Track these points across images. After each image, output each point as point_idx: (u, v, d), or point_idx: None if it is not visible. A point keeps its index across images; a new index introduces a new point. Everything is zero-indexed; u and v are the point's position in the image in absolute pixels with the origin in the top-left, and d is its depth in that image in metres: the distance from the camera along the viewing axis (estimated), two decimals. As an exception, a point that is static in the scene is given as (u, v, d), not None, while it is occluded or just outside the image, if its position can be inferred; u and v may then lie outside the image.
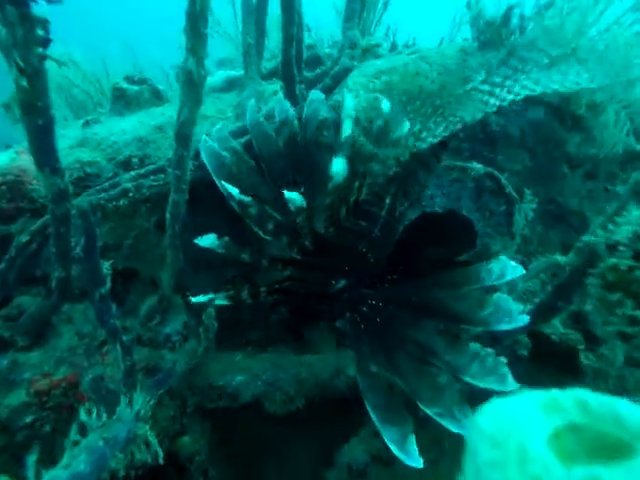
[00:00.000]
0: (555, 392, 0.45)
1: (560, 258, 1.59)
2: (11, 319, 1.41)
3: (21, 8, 0.78)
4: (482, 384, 1.03)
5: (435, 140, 1.56)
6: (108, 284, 1.17)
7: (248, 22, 1.77)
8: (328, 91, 1.51)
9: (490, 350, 1.07)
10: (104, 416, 1.04)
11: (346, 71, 1.45)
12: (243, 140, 1.53)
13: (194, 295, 1.30)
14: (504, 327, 1.07)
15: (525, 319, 1.06)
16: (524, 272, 1.15)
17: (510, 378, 1.02)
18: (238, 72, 2.13)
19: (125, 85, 2.16)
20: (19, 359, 1.42)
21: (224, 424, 1.82)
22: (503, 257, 1.20)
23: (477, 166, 1.69)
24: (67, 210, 1.11)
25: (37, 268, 1.53)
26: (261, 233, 1.36)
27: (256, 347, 1.84)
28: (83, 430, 1.05)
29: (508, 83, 1.63)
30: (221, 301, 1.30)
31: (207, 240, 1.30)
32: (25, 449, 1.38)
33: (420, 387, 1.11)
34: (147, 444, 1.20)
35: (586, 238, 1.09)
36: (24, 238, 1.33)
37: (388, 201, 1.46)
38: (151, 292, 1.69)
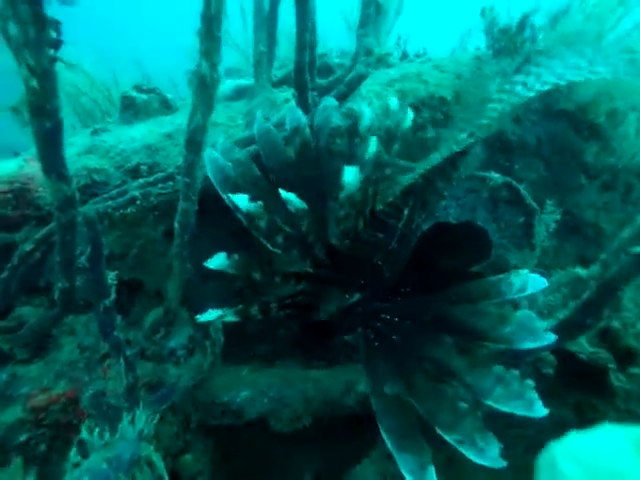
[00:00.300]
0: (645, 429, 0.38)
1: (581, 271, 1.52)
2: (11, 331, 1.36)
3: (34, 6, 0.75)
4: (507, 408, 0.96)
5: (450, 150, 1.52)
6: (113, 295, 1.12)
7: (260, 30, 1.75)
8: (342, 98, 1.47)
9: (515, 372, 1.00)
10: (106, 434, 0.98)
11: (360, 78, 1.42)
12: (251, 149, 1.49)
13: (201, 311, 1.23)
14: (528, 345, 1.01)
15: (551, 337, 0.99)
16: (547, 285, 1.09)
17: (538, 403, 0.95)
18: (248, 81, 2.11)
19: (134, 94, 2.15)
20: (18, 372, 1.37)
21: (228, 442, 1.75)
22: (524, 270, 1.13)
23: (495, 175, 1.64)
24: (73, 218, 1.06)
25: (40, 278, 1.48)
26: (270, 246, 1.30)
27: (263, 361, 1.78)
28: (83, 449, 0.98)
29: (521, 86, 1.58)
30: (230, 318, 1.23)
31: (217, 261, 1.22)
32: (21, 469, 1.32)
33: (438, 411, 1.04)
34: (150, 465, 1.14)
35: (636, 250, 1.00)
36: (28, 246, 1.29)
37: (406, 212, 1.41)
38: (156, 304, 1.64)
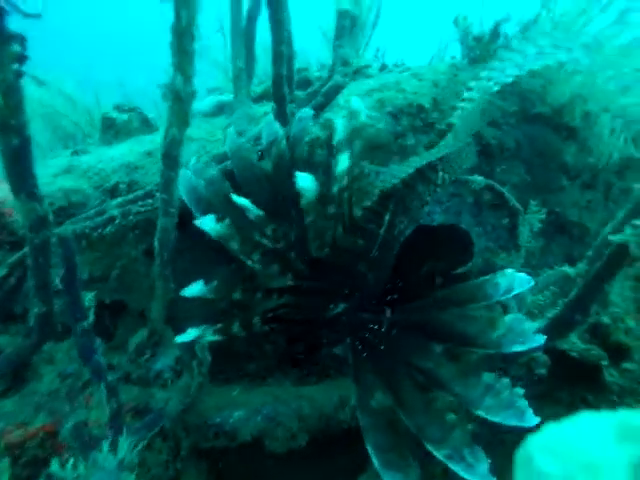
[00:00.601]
0: (626, 414, 0.36)
1: (569, 269, 1.53)
2: (-14, 361, 1.29)
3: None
4: (497, 419, 0.93)
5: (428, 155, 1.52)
6: (91, 317, 1.07)
7: (237, 45, 1.76)
8: (320, 109, 1.48)
9: (505, 381, 0.98)
10: (81, 466, 0.92)
11: (338, 88, 1.43)
12: (228, 164, 1.48)
13: (180, 332, 1.19)
14: (517, 349, 1.00)
15: (541, 339, 0.98)
16: (533, 283, 1.08)
17: (529, 412, 0.92)
18: (228, 97, 2.12)
19: (114, 114, 2.14)
20: (-7, 407, 1.30)
21: (221, 464, 1.68)
22: (509, 270, 1.12)
23: (478, 178, 1.65)
24: (47, 238, 1.03)
25: (16, 304, 1.43)
26: (249, 263, 1.28)
27: (254, 379, 1.73)
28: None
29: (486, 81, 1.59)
30: (211, 337, 1.19)
31: (195, 289, 1.19)
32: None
33: (428, 424, 1.01)
34: (135, 498, 1.07)
35: (617, 237, 1.01)
36: (1, 271, 1.24)
37: (387, 218, 1.39)
38: (141, 325, 1.59)
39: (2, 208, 1.39)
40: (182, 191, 1.27)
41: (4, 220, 1.38)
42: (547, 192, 1.98)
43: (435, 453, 0.95)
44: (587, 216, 2.06)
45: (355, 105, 1.39)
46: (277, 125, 1.47)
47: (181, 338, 1.13)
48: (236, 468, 1.77)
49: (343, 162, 1.31)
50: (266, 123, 1.47)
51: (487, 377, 1.00)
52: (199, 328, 1.17)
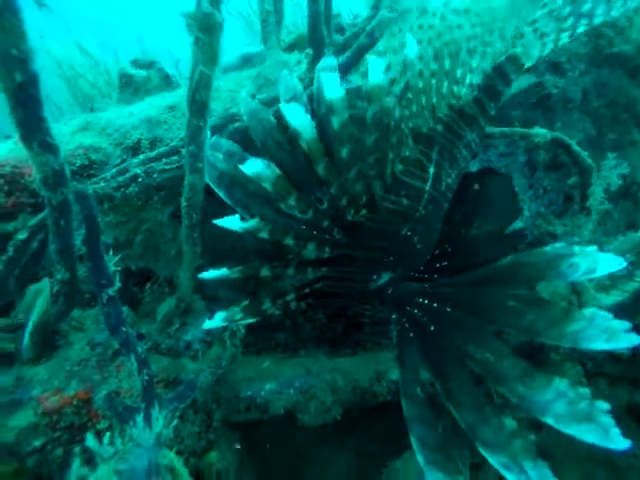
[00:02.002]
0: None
1: (647, 235, 1.33)
2: (14, 329, 1.24)
3: None
4: (570, 430, 0.80)
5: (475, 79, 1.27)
6: (117, 284, 0.98)
7: (265, -15, 1.56)
8: (364, 49, 1.29)
9: (584, 391, 0.83)
10: (118, 441, 0.85)
11: (385, 25, 1.23)
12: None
13: (213, 303, 1.11)
14: (602, 347, 0.83)
15: (635, 339, 0.80)
16: (624, 265, 0.89)
17: (615, 431, 0.78)
18: (255, 48, 1.93)
19: (132, 70, 1.99)
20: (25, 374, 1.26)
21: (253, 436, 1.65)
22: (591, 249, 0.92)
23: (541, 131, 1.43)
24: (66, 197, 0.92)
25: (41, 270, 1.36)
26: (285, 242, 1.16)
27: (286, 350, 1.65)
28: (89, 459, 0.86)
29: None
30: (245, 320, 1.10)
31: (215, 273, 1.12)
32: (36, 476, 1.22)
33: (480, 424, 0.90)
34: (173, 473, 1.02)
35: None
36: (22, 235, 1.16)
37: (432, 171, 1.20)
38: (169, 294, 1.52)
39: (22, 167, 1.29)
40: None
41: (24, 180, 1.29)
42: (615, 149, 1.74)
43: (489, 459, 0.84)
44: (660, 177, 1.81)
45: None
46: (295, 80, 1.27)
47: (209, 324, 1.05)
48: (268, 440, 1.73)
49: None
50: (282, 77, 1.27)
51: (559, 382, 0.86)
52: (227, 311, 1.08)
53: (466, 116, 1.22)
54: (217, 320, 1.11)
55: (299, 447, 1.81)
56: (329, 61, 1.23)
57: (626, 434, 0.91)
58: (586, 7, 1.18)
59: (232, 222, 1.10)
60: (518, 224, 1.42)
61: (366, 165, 1.14)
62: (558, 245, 0.97)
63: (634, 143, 1.74)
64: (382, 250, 1.24)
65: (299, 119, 1.08)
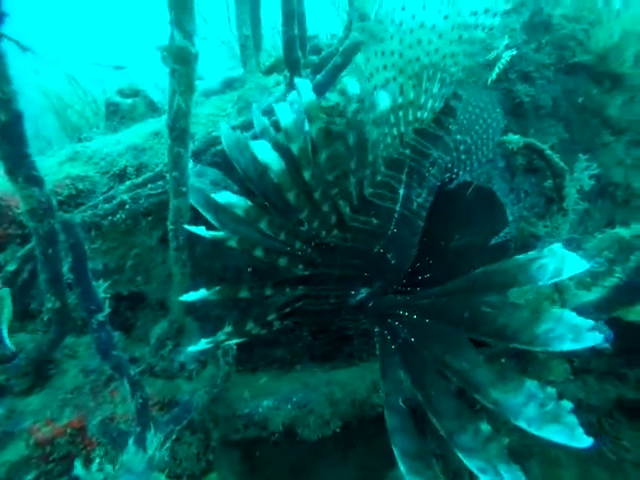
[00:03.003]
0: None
1: (623, 231, 1.37)
2: (5, 360, 1.24)
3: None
4: (541, 433, 0.83)
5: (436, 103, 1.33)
6: (107, 309, 1.00)
7: (242, 12, 1.63)
8: (338, 69, 1.34)
9: (551, 391, 0.87)
10: (108, 467, 0.85)
11: (357, 46, 1.29)
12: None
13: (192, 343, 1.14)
14: (569, 347, 0.85)
15: (598, 338, 0.84)
16: (589, 266, 0.91)
17: (579, 430, 0.81)
18: (236, 72, 1.99)
19: (118, 99, 2.04)
20: (17, 406, 1.25)
21: (254, 453, 1.64)
22: (557, 247, 0.94)
23: (514, 138, 1.49)
24: (52, 227, 0.94)
25: (32, 300, 1.37)
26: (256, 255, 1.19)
27: (282, 366, 1.66)
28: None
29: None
30: (230, 341, 1.13)
31: (196, 295, 1.13)
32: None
33: (459, 431, 0.93)
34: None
35: None
36: (11, 266, 1.18)
37: (402, 192, 1.26)
38: (161, 316, 1.53)
39: (9, 200, 1.32)
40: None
41: (11, 212, 1.31)
42: (588, 151, 1.80)
43: (467, 462, 0.88)
44: (635, 175, 1.87)
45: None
46: (261, 115, 1.31)
47: (194, 348, 1.08)
48: (270, 456, 1.72)
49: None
50: (253, 111, 1.31)
51: (530, 384, 0.89)
52: (210, 337, 1.11)
53: (429, 136, 1.29)
54: (201, 344, 1.14)
55: (300, 463, 1.80)
56: (302, 83, 1.28)
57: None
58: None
59: (202, 230, 1.12)
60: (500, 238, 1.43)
61: (327, 185, 1.19)
62: (530, 252, 1.00)
63: (605, 145, 1.80)
64: (356, 267, 1.27)
65: (267, 154, 1.12)
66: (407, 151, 1.28)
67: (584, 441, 0.80)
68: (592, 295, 1.16)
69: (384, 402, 1.04)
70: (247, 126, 1.33)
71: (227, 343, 1.15)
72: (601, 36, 1.48)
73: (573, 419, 0.82)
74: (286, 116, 1.17)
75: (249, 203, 1.13)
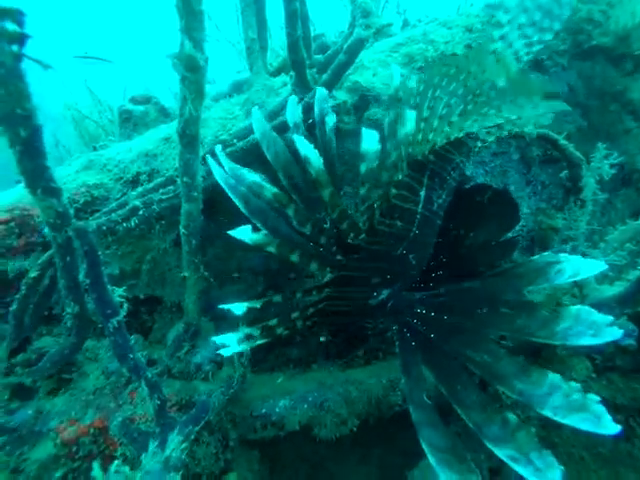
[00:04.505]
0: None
1: (647, 223, 1.32)
2: (31, 364, 1.29)
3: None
4: (567, 421, 0.83)
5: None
6: (122, 313, 1.03)
7: (247, 15, 1.63)
8: (343, 68, 1.33)
9: (575, 385, 0.87)
10: (125, 468, 0.88)
11: (361, 43, 1.27)
12: (243, 143, 1.37)
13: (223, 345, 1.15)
14: (588, 342, 0.87)
15: (617, 333, 0.84)
16: (605, 267, 0.94)
17: (607, 417, 0.80)
18: (244, 75, 2.01)
19: (130, 106, 2.08)
20: (44, 407, 1.30)
21: (273, 453, 1.65)
22: (576, 257, 0.97)
23: (527, 128, 1.44)
24: (69, 236, 0.97)
25: (56, 305, 1.42)
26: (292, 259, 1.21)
27: (298, 365, 1.66)
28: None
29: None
30: (245, 346, 1.15)
31: (241, 307, 1.16)
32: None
33: (487, 422, 0.93)
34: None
35: None
36: (33, 273, 1.22)
37: (423, 194, 1.25)
38: (178, 319, 1.56)
39: (30, 209, 1.37)
40: (218, 177, 1.20)
41: (33, 222, 1.36)
42: (609, 139, 1.73)
43: (497, 452, 0.87)
44: (660, 161, 1.79)
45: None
46: (299, 108, 1.35)
47: (227, 352, 1.10)
48: (289, 456, 1.73)
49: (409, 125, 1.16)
50: (289, 102, 1.35)
51: (553, 377, 0.90)
52: (237, 334, 1.12)
53: (454, 142, 1.27)
54: (234, 348, 1.15)
55: (321, 462, 1.81)
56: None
57: None
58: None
59: (243, 233, 1.15)
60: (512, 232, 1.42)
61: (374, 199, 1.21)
62: (546, 254, 1.03)
63: (628, 131, 1.73)
64: (380, 270, 1.27)
65: (308, 149, 1.17)
66: (431, 156, 1.27)
67: (612, 428, 0.79)
68: (614, 289, 1.12)
69: (408, 398, 1.04)
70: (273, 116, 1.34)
71: (256, 344, 1.17)
72: (622, 16, 1.41)
73: (600, 407, 0.82)
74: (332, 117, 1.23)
75: (278, 190, 1.14)
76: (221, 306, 1.16)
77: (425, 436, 0.96)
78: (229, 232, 1.16)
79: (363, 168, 1.23)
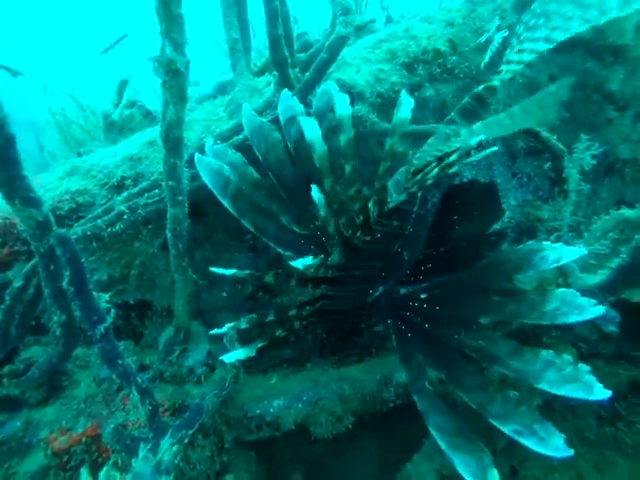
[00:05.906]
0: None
1: (628, 212, 1.33)
2: (19, 375, 1.28)
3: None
4: (562, 392, 0.89)
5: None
6: (109, 319, 1.02)
7: (229, 15, 1.62)
8: (325, 66, 1.33)
9: (567, 358, 0.92)
10: (115, 473, 0.87)
11: (342, 41, 1.27)
12: (240, 138, 1.36)
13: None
14: (574, 319, 0.93)
15: (599, 310, 0.90)
16: (585, 253, 1.00)
17: (598, 385, 0.87)
18: (228, 76, 2.00)
19: (114, 111, 2.06)
20: (33, 417, 1.29)
21: (270, 454, 1.65)
22: (558, 244, 1.02)
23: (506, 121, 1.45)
24: (52, 245, 0.96)
25: (43, 314, 1.41)
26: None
27: (292, 365, 1.66)
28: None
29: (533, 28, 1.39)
30: (249, 352, 1.14)
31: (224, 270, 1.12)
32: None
33: (489, 401, 0.97)
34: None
35: None
36: (18, 283, 1.21)
37: (420, 195, 1.27)
38: (169, 323, 1.55)
39: (12, 218, 1.35)
40: (204, 176, 1.20)
41: (15, 230, 1.34)
42: (592, 129, 1.75)
43: (502, 428, 0.91)
44: (642, 150, 1.81)
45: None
46: (295, 100, 1.34)
47: (228, 358, 1.09)
48: (286, 455, 1.73)
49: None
50: (282, 97, 1.34)
51: (546, 354, 0.95)
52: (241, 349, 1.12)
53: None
54: (236, 354, 1.14)
55: (318, 461, 1.81)
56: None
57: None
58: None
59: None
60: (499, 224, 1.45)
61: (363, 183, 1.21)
62: (530, 243, 1.08)
63: (610, 121, 1.75)
64: (376, 268, 1.28)
65: (314, 133, 1.16)
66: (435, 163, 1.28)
67: (603, 393, 0.84)
68: (597, 278, 1.14)
69: (410, 388, 1.07)
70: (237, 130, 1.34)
71: (258, 346, 1.17)
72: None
73: (591, 377, 0.87)
74: (343, 107, 1.24)
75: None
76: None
77: (433, 422, 0.99)
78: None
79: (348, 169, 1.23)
